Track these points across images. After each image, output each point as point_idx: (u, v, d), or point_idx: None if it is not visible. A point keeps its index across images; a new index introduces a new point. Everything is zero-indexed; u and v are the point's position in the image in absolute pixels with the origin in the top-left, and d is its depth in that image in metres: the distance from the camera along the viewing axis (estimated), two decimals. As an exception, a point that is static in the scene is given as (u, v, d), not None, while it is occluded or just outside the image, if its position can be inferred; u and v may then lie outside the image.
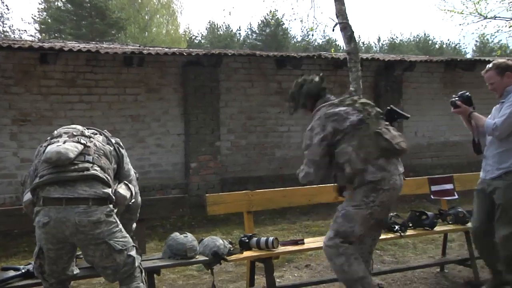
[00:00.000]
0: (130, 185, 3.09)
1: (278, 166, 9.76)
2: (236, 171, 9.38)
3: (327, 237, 3.43)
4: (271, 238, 4.00)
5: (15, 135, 7.80)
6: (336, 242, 3.34)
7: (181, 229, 7.40)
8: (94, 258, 2.87)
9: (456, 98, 4.02)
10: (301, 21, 16.84)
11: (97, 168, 2.88)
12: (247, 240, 4.07)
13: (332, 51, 12.62)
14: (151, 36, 37.57)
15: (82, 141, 2.93)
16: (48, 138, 3.05)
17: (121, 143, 3.25)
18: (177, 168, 8.89)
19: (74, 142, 2.90)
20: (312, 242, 4.28)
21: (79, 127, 3.11)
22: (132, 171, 3.28)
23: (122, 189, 2.99)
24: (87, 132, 3.07)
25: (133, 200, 3.15)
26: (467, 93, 4.02)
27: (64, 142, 2.88)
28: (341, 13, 7.63)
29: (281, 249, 4.00)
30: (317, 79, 3.66)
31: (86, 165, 2.85)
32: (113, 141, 3.18)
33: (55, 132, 3.08)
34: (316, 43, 41.44)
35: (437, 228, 4.50)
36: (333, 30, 10.38)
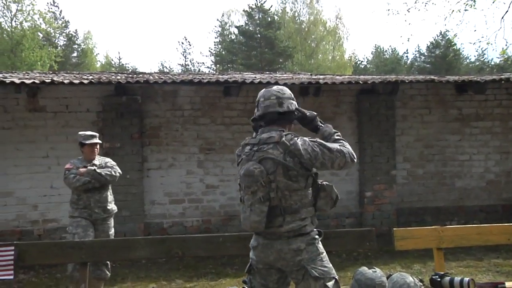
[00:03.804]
0: None
1: (458, 197, 9.18)
2: (413, 201, 9.03)
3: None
4: (466, 279, 3.75)
5: (202, 163, 8.43)
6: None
7: (357, 259, 7.32)
8: (297, 281, 2.95)
9: None
10: (488, 43, 15.50)
11: None
12: (439, 279, 3.88)
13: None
14: (317, 63, 38.29)
15: None
16: None
17: None
18: (352, 197, 8.84)
19: None
20: (514, 286, 3.91)
21: None
22: None
23: None
24: None
25: None
26: None
27: None
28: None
29: (479, 292, 3.72)
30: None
31: None
32: None
33: None
34: (492, 63, 38.51)
35: None
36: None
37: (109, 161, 5.68)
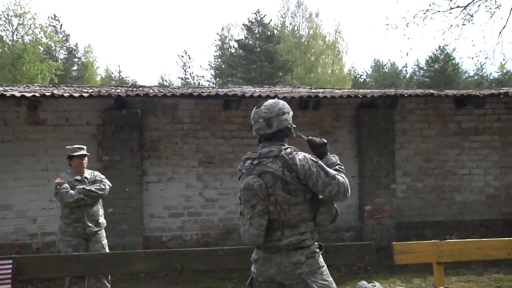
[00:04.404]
0: None
1: (458, 211, 9.17)
2: (412, 215, 9.01)
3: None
4: (466, 294, 3.73)
5: (201, 176, 8.42)
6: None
7: (356, 273, 7.29)
8: None
9: None
10: (487, 58, 15.53)
11: None
12: (439, 294, 3.85)
13: (517, 87, 11.63)
14: (316, 77, 38.45)
15: None
16: None
17: None
18: (352, 211, 8.83)
19: None
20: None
21: None
22: None
23: None
24: None
25: None
26: None
27: None
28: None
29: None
30: None
31: None
32: None
33: None
34: (491, 77, 38.70)
35: None
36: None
37: (98, 175, 5.72)
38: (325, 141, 3.15)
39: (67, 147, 5.72)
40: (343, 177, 2.93)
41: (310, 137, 3.16)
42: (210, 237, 8.39)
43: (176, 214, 8.33)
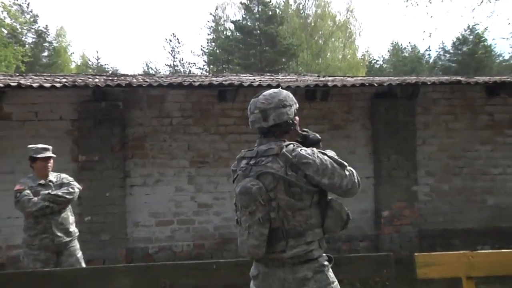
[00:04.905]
0: None
1: (490, 216, 9.18)
2: (437, 222, 9.03)
3: None
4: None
5: (193, 178, 8.44)
6: None
7: (373, 289, 7.30)
8: None
9: None
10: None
11: None
12: (469, 313, 3.86)
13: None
14: (325, 63, 38.49)
15: None
16: None
17: None
18: (366, 217, 8.85)
19: None
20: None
21: None
22: None
23: None
24: None
25: None
26: None
27: None
28: None
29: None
30: None
31: None
32: None
33: None
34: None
35: None
36: None
37: (65, 177, 5.67)
38: (320, 137, 3.13)
39: (29, 146, 5.59)
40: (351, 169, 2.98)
41: (305, 130, 3.14)
42: (204, 248, 8.40)
43: (165, 222, 8.34)
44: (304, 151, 2.89)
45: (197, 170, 8.46)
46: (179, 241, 8.35)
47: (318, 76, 11.64)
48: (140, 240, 8.24)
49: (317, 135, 3.14)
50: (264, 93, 3.02)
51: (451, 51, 45.08)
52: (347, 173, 2.90)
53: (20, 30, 36.48)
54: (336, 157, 2.95)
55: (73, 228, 5.58)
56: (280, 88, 3.12)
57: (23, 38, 37.94)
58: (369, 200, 8.86)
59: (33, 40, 40.77)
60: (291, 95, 3.06)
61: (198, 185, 8.46)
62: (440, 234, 8.94)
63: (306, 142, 3.09)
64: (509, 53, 44.26)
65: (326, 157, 2.89)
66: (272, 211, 2.86)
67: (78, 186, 5.65)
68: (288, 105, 2.98)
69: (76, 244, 5.62)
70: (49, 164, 5.55)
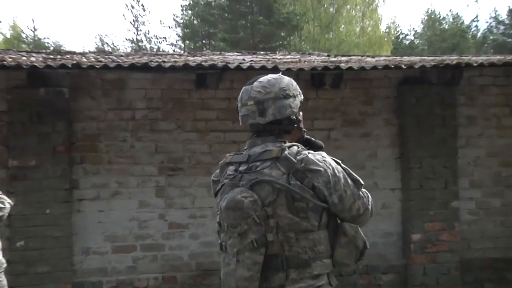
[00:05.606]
0: None
1: (556, 241, 9.18)
2: (486, 249, 9.03)
3: None
4: None
5: (163, 190, 8.41)
6: None
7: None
8: None
9: None
10: None
11: None
12: None
13: None
14: (338, 37, 38.51)
15: None
16: None
17: None
18: (391, 242, 8.86)
19: None
20: None
21: None
22: None
23: None
24: None
25: None
26: None
27: None
28: None
29: None
30: None
31: None
32: None
33: None
34: None
35: None
36: None
37: None
38: (323, 144, 3.11)
39: None
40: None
41: (308, 137, 3.13)
42: (177, 282, 8.37)
43: (125, 247, 8.31)
44: (312, 155, 2.84)
45: (167, 179, 8.43)
46: (144, 273, 8.31)
47: (328, 55, 11.60)
48: (91, 272, 8.19)
49: (320, 142, 3.13)
50: (260, 79, 2.98)
51: (506, 21, 45.17)
52: (361, 194, 2.89)
53: None
54: (349, 170, 2.93)
55: (0, 257, 5.53)
56: (280, 74, 3.07)
57: None
58: (395, 220, 8.88)
59: None
60: (294, 83, 3.02)
61: (169, 199, 8.43)
62: (489, 264, 8.93)
63: (311, 147, 3.07)
64: None
65: (339, 168, 2.87)
66: (270, 232, 2.80)
67: (9, 201, 5.59)
68: (291, 95, 2.94)
69: (3, 280, 5.55)
70: None
